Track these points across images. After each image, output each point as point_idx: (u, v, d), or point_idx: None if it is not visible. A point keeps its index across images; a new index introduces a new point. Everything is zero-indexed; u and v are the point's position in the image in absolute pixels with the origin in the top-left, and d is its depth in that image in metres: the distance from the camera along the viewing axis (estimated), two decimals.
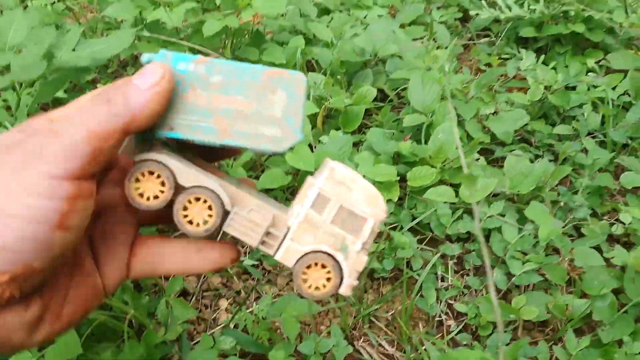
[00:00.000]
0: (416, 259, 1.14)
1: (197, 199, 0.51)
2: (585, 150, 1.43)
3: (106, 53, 1.09)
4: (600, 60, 1.72)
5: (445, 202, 1.19)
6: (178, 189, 0.51)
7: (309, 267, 0.51)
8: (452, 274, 1.16)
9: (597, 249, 1.20)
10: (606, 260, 1.15)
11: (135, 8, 1.34)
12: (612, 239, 1.27)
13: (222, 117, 0.51)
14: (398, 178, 1.20)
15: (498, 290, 1.10)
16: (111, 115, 0.43)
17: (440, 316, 1.10)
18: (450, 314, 1.11)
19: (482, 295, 1.12)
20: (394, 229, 1.19)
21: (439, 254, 1.14)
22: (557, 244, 1.12)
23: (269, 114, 0.51)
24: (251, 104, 0.51)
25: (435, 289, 1.12)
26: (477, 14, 1.77)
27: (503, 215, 1.19)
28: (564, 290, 1.15)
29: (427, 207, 1.21)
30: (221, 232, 0.52)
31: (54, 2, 1.62)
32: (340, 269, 0.50)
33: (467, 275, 1.17)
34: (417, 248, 1.17)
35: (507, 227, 1.15)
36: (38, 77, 0.96)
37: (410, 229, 1.20)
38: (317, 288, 0.51)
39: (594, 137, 1.49)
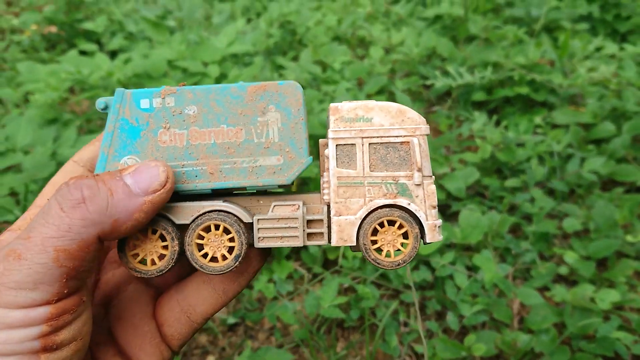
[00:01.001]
0: (380, 308, 1.29)
1: (208, 229, 0.44)
2: (532, 200, 1.59)
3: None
4: (546, 117, 1.91)
5: None
6: (181, 231, 0.44)
7: (375, 232, 0.43)
8: (414, 319, 1.30)
9: (546, 288, 1.35)
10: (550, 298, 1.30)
11: None
12: (560, 279, 1.41)
13: (208, 156, 0.44)
14: None
15: (452, 331, 1.24)
16: (86, 224, 0.39)
17: (403, 358, 1.23)
18: (412, 356, 1.24)
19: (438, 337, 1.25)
20: (358, 282, 1.34)
21: (397, 302, 1.28)
22: (501, 287, 1.26)
23: (264, 139, 0.44)
24: (239, 131, 0.44)
25: (399, 334, 1.25)
26: (432, 84, 1.98)
27: (454, 264, 1.33)
28: (517, 328, 1.28)
29: None
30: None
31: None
32: (413, 215, 0.43)
33: (429, 319, 1.31)
34: (381, 298, 1.31)
35: (458, 274, 1.30)
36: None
37: (375, 282, 1.34)
38: (398, 251, 0.43)
39: (543, 187, 1.66)
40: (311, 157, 0.44)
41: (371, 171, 0.42)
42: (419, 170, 0.41)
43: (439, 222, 0.42)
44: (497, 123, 1.89)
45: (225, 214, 0.43)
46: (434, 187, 0.41)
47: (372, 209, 0.42)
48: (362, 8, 2.72)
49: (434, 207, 0.41)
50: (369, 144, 0.41)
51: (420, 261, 1.35)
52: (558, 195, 1.63)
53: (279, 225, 0.43)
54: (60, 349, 0.39)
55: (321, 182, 0.44)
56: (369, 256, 0.43)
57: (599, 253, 1.38)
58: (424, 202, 0.41)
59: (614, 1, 2.40)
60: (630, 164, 1.67)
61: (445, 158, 1.66)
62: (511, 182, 1.65)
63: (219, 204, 0.44)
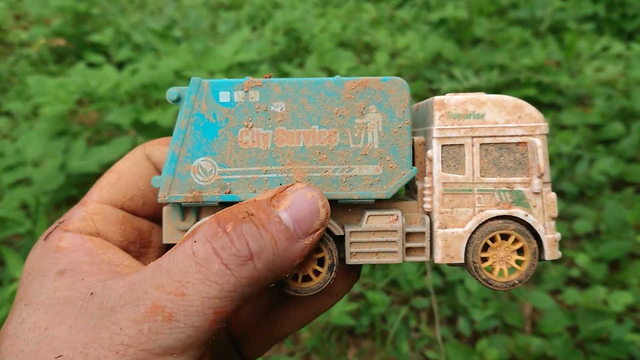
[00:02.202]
0: (390, 314, 1.28)
1: None
2: None
3: (109, 157, 1.28)
4: (554, 118, 1.90)
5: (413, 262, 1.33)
6: None
7: (486, 248, 0.38)
8: (424, 325, 1.29)
9: (558, 291, 1.34)
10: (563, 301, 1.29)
11: (132, 113, 1.55)
12: (572, 281, 1.40)
13: (295, 161, 0.38)
14: None
15: (463, 336, 1.23)
16: (252, 283, 0.34)
17: None
18: None
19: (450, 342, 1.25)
20: (368, 289, 1.34)
21: (407, 308, 1.28)
22: (513, 291, 1.25)
23: (362, 145, 0.38)
24: (333, 134, 0.38)
25: (410, 340, 1.25)
26: (438, 88, 1.98)
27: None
28: (529, 332, 1.27)
29: (399, 267, 1.36)
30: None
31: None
32: (530, 228, 0.37)
33: (440, 325, 1.30)
34: (391, 304, 1.31)
35: (469, 278, 1.29)
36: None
37: (386, 289, 1.34)
38: (512, 269, 0.38)
39: (553, 189, 1.65)
40: (416, 168, 0.38)
41: (482, 176, 0.36)
42: (540, 176, 0.36)
43: (559, 235, 0.36)
44: None
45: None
46: (554, 195, 0.35)
47: (483, 220, 0.36)
48: (366, 14, 2.73)
49: (554, 219, 0.36)
50: (480, 144, 0.36)
51: (431, 266, 1.35)
52: (568, 196, 1.62)
53: (375, 239, 0.37)
54: None
55: (419, 188, 0.38)
56: (479, 276, 0.37)
57: (610, 255, 1.37)
58: (542, 213, 0.36)
59: (620, 0, 2.39)
60: None
61: None
62: None
63: None
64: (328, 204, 0.35)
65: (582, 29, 2.33)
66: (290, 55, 2.37)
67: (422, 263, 1.34)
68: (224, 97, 0.37)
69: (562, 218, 1.55)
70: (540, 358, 1.17)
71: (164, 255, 0.36)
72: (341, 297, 0.45)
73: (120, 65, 2.21)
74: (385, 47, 2.32)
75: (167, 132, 1.62)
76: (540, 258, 0.37)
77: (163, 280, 0.34)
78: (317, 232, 0.35)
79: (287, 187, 0.37)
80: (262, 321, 0.46)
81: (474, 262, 0.37)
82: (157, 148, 0.47)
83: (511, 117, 0.36)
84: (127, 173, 0.46)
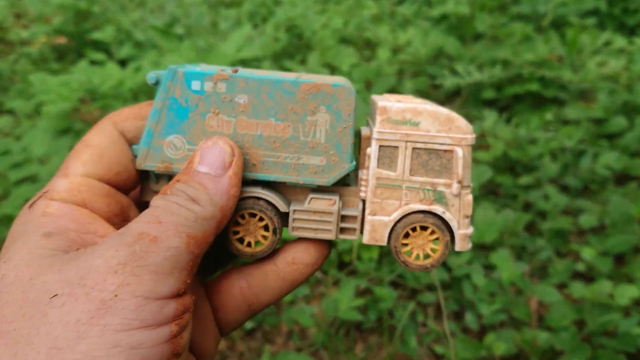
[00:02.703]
0: (397, 309, 1.28)
1: (250, 216, 0.44)
2: (546, 197, 1.59)
3: None
4: (557, 113, 1.90)
5: None
6: None
7: (407, 236, 0.43)
8: (431, 320, 1.29)
9: (564, 285, 1.34)
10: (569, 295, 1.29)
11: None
12: (578, 275, 1.40)
13: (253, 147, 0.44)
14: None
15: (471, 331, 1.24)
16: (204, 218, 0.40)
17: (423, 359, 1.23)
18: (432, 357, 1.24)
19: (457, 337, 1.25)
20: (375, 284, 1.34)
21: (415, 302, 1.28)
22: (519, 285, 1.26)
23: (310, 139, 0.43)
24: (287, 127, 0.43)
25: (418, 335, 1.25)
26: (440, 83, 1.98)
27: (471, 263, 1.33)
28: (536, 326, 1.28)
29: None
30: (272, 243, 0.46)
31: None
32: (446, 224, 0.43)
33: (447, 319, 1.30)
34: (398, 299, 1.31)
35: (475, 273, 1.30)
36: None
37: (393, 283, 1.34)
38: (427, 256, 0.44)
39: (557, 184, 1.65)
40: (354, 163, 0.44)
41: (411, 175, 0.42)
42: (459, 182, 0.41)
43: (470, 231, 0.42)
44: (508, 120, 1.89)
45: (267, 203, 0.44)
46: (470, 197, 0.41)
47: (406, 213, 0.42)
48: (367, 10, 2.72)
49: (467, 217, 0.41)
50: (413, 148, 0.41)
51: None
52: (572, 191, 1.62)
53: (315, 217, 0.43)
54: (179, 358, 0.37)
55: (359, 177, 0.44)
56: (399, 258, 0.44)
57: (616, 248, 1.37)
58: (458, 212, 0.42)
59: None
60: None
61: None
62: (524, 180, 1.64)
63: (258, 191, 0.44)
64: (231, 142, 0.42)
65: (584, 23, 2.33)
66: (292, 51, 2.37)
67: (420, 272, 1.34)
68: (196, 85, 0.43)
69: (567, 212, 1.56)
70: (548, 352, 1.18)
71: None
72: (316, 268, 0.49)
73: (122, 63, 2.20)
74: (386, 43, 2.32)
75: None
76: (453, 249, 0.43)
77: (140, 219, 0.39)
78: (233, 163, 0.41)
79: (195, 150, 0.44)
80: (243, 291, 0.49)
81: (395, 247, 0.43)
82: (129, 123, 0.50)
83: (442, 127, 0.41)
84: (109, 149, 0.48)
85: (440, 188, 0.41)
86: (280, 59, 2.27)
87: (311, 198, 0.44)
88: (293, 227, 0.44)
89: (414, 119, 0.41)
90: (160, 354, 0.35)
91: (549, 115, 1.87)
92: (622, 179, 1.68)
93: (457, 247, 0.43)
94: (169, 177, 0.46)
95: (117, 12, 2.58)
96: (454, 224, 0.42)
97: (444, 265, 1.35)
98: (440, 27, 2.46)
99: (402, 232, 0.43)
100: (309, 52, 2.34)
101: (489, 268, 1.35)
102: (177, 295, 0.37)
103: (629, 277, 1.33)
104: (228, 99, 0.43)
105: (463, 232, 0.42)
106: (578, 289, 1.26)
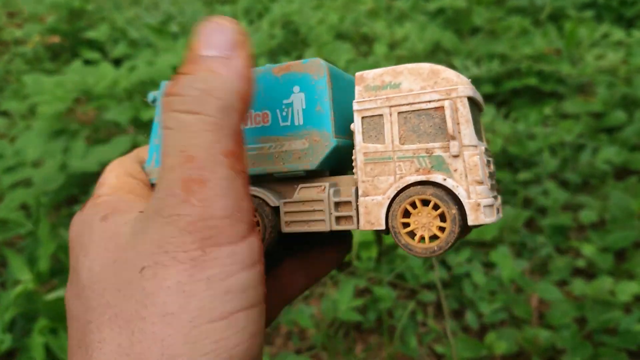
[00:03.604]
0: (397, 308, 1.27)
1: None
2: (546, 193, 1.57)
3: (109, 156, 1.27)
4: (555, 108, 1.89)
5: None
6: None
7: (407, 215, 0.37)
8: (431, 319, 1.28)
9: (565, 282, 1.33)
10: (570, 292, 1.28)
11: (131, 110, 1.53)
12: (578, 272, 1.40)
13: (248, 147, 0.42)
14: (375, 238, 1.34)
15: (471, 330, 1.23)
16: (224, 112, 0.36)
17: (423, 359, 1.22)
18: (432, 356, 1.23)
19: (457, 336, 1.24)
20: (374, 284, 1.33)
21: (414, 302, 1.27)
22: (520, 283, 1.25)
23: (289, 123, 0.41)
24: (266, 116, 0.41)
25: (418, 334, 1.24)
26: None
27: (471, 261, 1.32)
28: (537, 324, 1.27)
29: (405, 261, 1.35)
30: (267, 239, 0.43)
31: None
32: (451, 193, 0.36)
33: (447, 318, 1.29)
34: (397, 298, 1.30)
35: (475, 271, 1.29)
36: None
37: (392, 283, 1.33)
38: (433, 237, 0.37)
39: (556, 179, 1.64)
40: (336, 139, 0.40)
41: (401, 144, 0.36)
42: (453, 138, 0.35)
43: (487, 200, 0.35)
44: (507, 115, 1.87)
45: (259, 200, 0.42)
46: (476, 158, 0.34)
47: (402, 187, 0.36)
48: (363, 4, 2.70)
49: (479, 183, 0.34)
50: (398, 113, 0.36)
51: (436, 260, 1.34)
52: (572, 186, 1.61)
53: (305, 208, 0.40)
54: (264, 299, 0.38)
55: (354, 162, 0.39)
56: (400, 241, 0.37)
57: (616, 244, 1.36)
58: (464, 177, 0.35)
59: None
60: None
61: None
62: (524, 175, 1.63)
63: (255, 190, 0.43)
64: (233, 20, 0.37)
65: (582, 16, 2.31)
66: (289, 48, 2.35)
67: (428, 257, 1.33)
68: None
69: (567, 208, 1.54)
70: (549, 350, 1.17)
71: None
72: (336, 264, 0.48)
73: (116, 62, 2.19)
74: (383, 38, 2.30)
75: None
76: (465, 225, 0.36)
77: (168, 159, 0.36)
78: (240, 42, 0.36)
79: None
80: (270, 281, 0.47)
81: (394, 227, 0.37)
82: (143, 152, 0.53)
83: (427, 82, 0.36)
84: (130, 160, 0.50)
85: (438, 152, 0.35)
86: (276, 55, 2.25)
87: (300, 188, 0.41)
88: (285, 222, 0.41)
89: (393, 80, 0.36)
90: (262, 295, 0.35)
91: (547, 110, 1.86)
92: (622, 173, 1.67)
93: (470, 220, 0.35)
94: None
95: (111, 10, 2.56)
96: (460, 192, 0.35)
97: (444, 264, 1.34)
98: (437, 21, 2.44)
99: (400, 208, 0.37)
100: (305, 48, 2.32)
101: (489, 266, 1.34)
102: (254, 230, 0.36)
103: (629, 273, 1.32)
104: None
105: (474, 200, 0.34)
106: (579, 285, 1.25)
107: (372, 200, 0.37)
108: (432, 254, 0.37)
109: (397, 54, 2.18)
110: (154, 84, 1.66)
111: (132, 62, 1.80)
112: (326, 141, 0.39)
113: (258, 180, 0.46)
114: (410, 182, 0.36)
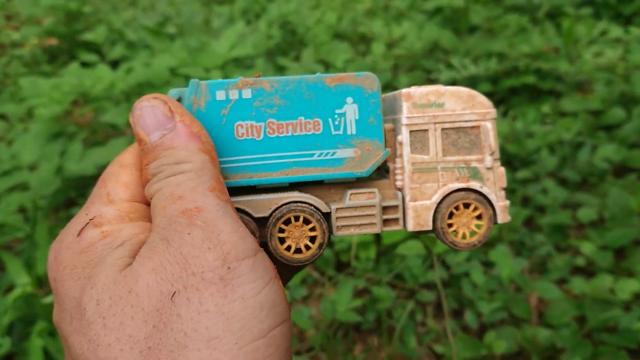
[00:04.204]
0: (396, 308, 1.27)
1: (290, 220, 0.43)
2: (545, 191, 1.57)
3: (106, 158, 1.26)
4: (554, 106, 1.89)
5: (417, 255, 1.32)
6: (261, 226, 0.44)
7: (451, 216, 0.44)
8: (431, 319, 1.28)
9: (564, 280, 1.33)
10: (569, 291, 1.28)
11: (128, 112, 1.53)
12: (578, 270, 1.39)
13: (285, 149, 0.43)
14: (374, 238, 1.34)
15: (470, 330, 1.22)
16: (203, 168, 0.39)
17: (423, 359, 1.22)
18: (432, 356, 1.23)
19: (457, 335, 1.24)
20: (372, 284, 1.32)
21: (413, 302, 1.27)
22: (519, 282, 1.24)
23: (342, 132, 0.43)
24: (317, 123, 0.43)
25: (417, 334, 1.24)
26: (436, 78, 1.96)
27: (470, 260, 1.32)
28: (536, 323, 1.26)
29: (404, 261, 1.35)
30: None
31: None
32: (486, 198, 0.44)
33: (447, 318, 1.29)
34: (396, 298, 1.30)
35: (474, 271, 1.28)
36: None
37: (391, 283, 1.33)
38: (472, 233, 0.45)
39: (555, 178, 1.63)
40: (388, 149, 0.44)
41: (444, 156, 0.42)
42: (492, 154, 0.42)
43: (508, 202, 0.43)
44: (505, 114, 1.87)
45: (303, 204, 0.43)
46: (503, 169, 0.42)
47: (446, 193, 0.43)
48: (361, 4, 2.70)
49: (503, 189, 0.42)
50: (442, 129, 0.42)
51: (437, 260, 1.34)
52: (571, 185, 1.61)
53: (357, 213, 0.43)
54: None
55: (392, 168, 0.45)
56: (447, 239, 0.44)
57: (616, 242, 1.36)
58: (494, 185, 0.42)
59: None
60: None
61: None
62: (522, 174, 1.63)
63: (296, 195, 0.43)
64: (154, 94, 0.40)
65: (580, 13, 2.31)
66: (286, 48, 2.35)
67: (427, 256, 1.33)
68: (220, 95, 0.42)
69: (566, 206, 1.54)
70: (549, 349, 1.17)
71: None
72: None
73: (114, 64, 2.18)
74: (381, 37, 2.30)
75: None
76: (495, 222, 0.44)
77: (159, 205, 0.38)
78: (172, 108, 0.39)
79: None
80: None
81: (442, 228, 0.44)
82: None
83: (466, 104, 0.42)
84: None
85: (474, 164, 0.42)
86: (273, 56, 2.25)
87: (350, 194, 0.43)
88: (337, 227, 0.44)
89: (438, 100, 0.42)
90: (288, 307, 0.37)
91: (546, 108, 1.86)
92: (621, 171, 1.67)
93: (499, 219, 0.43)
94: None
95: (108, 12, 2.55)
96: (492, 197, 0.42)
97: (443, 263, 1.34)
98: (435, 20, 2.44)
99: (447, 212, 0.43)
100: (302, 48, 2.31)
101: (488, 265, 1.33)
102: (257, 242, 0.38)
103: (629, 270, 1.32)
104: (255, 104, 0.43)
105: (502, 204, 0.43)
106: (578, 284, 1.25)
107: (422, 204, 0.43)
108: (473, 247, 0.44)
109: (395, 53, 2.18)
110: (151, 86, 1.65)
111: (129, 64, 1.79)
112: (379, 150, 0.42)
113: (291, 187, 0.47)
114: (453, 189, 0.42)
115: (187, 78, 1.74)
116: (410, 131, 0.43)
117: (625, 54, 1.97)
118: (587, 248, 1.36)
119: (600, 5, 2.39)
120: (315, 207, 0.43)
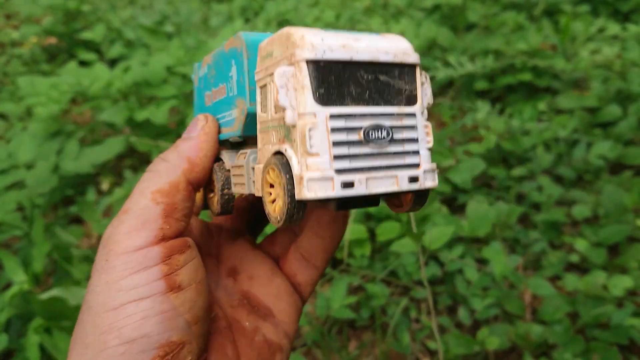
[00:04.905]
0: (390, 305, 1.28)
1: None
2: (540, 188, 1.58)
3: (103, 157, 1.27)
4: (550, 103, 1.89)
5: (411, 252, 1.33)
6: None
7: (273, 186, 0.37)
8: (424, 316, 1.29)
9: (558, 277, 1.33)
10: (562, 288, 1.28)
11: (125, 111, 1.54)
12: (571, 267, 1.40)
13: (216, 112, 0.49)
14: (368, 235, 1.35)
15: (464, 326, 1.23)
16: (169, 169, 0.44)
17: (416, 355, 1.23)
18: (426, 352, 1.24)
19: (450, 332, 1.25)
20: (367, 281, 1.33)
21: (407, 299, 1.28)
22: (512, 279, 1.25)
23: (230, 93, 0.46)
24: (223, 88, 0.47)
25: (411, 331, 1.25)
26: (433, 76, 1.96)
27: (463, 257, 1.33)
28: (529, 319, 1.27)
29: (398, 258, 1.36)
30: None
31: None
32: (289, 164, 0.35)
33: (440, 315, 1.30)
34: (390, 295, 1.31)
35: (468, 268, 1.29)
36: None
37: (386, 280, 1.33)
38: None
39: (550, 175, 1.64)
40: (252, 106, 0.41)
41: (275, 113, 0.35)
42: (276, 107, 0.33)
43: (314, 173, 0.32)
44: (501, 111, 1.87)
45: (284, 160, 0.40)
46: (302, 125, 0.31)
47: (267, 157, 0.36)
48: (359, 1, 2.70)
49: (310, 154, 0.32)
50: (272, 82, 0.34)
51: (429, 256, 1.35)
52: (566, 182, 1.61)
53: (237, 172, 0.43)
54: (184, 290, 0.41)
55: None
56: (265, 209, 0.37)
57: (609, 239, 1.36)
58: (298, 147, 0.32)
59: None
60: (638, 147, 1.64)
61: (450, 150, 1.65)
62: (518, 171, 1.63)
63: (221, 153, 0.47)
64: (206, 113, 0.47)
65: (577, 10, 2.31)
66: None
67: (422, 253, 1.33)
68: (199, 73, 0.50)
69: (561, 204, 1.55)
70: (541, 345, 1.17)
71: None
72: (345, 222, 0.52)
73: (112, 63, 2.19)
74: None
75: (161, 129, 1.61)
76: (297, 196, 0.33)
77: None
78: (204, 125, 0.46)
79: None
80: (295, 251, 0.54)
81: (262, 197, 0.37)
82: None
83: (284, 49, 0.34)
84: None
85: (284, 121, 0.34)
86: None
87: (240, 153, 0.44)
88: (233, 184, 0.45)
89: (269, 49, 0.35)
90: (156, 289, 0.40)
91: (542, 105, 1.86)
92: (616, 168, 1.67)
93: (296, 193, 0.33)
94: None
95: (107, 11, 2.56)
96: (293, 162, 0.32)
97: (436, 260, 1.34)
98: (433, 17, 2.44)
99: (262, 178, 0.36)
100: None
101: (482, 262, 1.34)
102: (160, 241, 0.41)
103: (622, 267, 1.32)
104: (208, 77, 0.48)
105: (298, 173, 0.32)
106: (571, 281, 1.25)
107: (258, 167, 0.38)
108: (277, 223, 0.35)
109: None
110: (148, 84, 1.66)
111: (127, 63, 1.80)
112: (246, 105, 0.41)
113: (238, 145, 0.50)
114: (272, 152, 0.35)
115: (184, 77, 1.75)
116: (259, 87, 0.37)
117: (622, 51, 1.97)
118: (581, 245, 1.36)
119: (598, 2, 2.39)
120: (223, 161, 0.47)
